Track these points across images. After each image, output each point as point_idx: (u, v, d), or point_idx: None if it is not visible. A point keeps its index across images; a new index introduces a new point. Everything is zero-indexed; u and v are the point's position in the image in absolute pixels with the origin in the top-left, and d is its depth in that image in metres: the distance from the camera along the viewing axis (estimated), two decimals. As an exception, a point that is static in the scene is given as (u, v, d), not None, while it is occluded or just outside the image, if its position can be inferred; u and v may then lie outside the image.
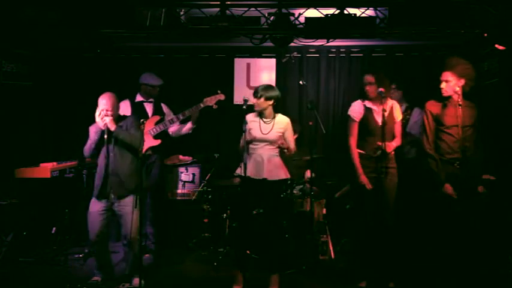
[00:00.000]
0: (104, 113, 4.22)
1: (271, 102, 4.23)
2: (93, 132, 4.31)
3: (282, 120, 4.30)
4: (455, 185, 4.13)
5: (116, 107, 4.32)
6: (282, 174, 4.28)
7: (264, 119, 4.26)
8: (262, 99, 4.20)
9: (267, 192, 4.23)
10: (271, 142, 4.23)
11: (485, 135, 4.31)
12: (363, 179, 4.31)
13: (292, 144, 4.33)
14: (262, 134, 4.20)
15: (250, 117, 4.25)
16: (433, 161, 4.23)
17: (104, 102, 4.24)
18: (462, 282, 4.15)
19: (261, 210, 4.63)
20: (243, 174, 4.05)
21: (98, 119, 4.24)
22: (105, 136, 4.23)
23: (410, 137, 5.19)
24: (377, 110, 4.38)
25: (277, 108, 4.34)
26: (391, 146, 4.31)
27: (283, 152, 4.27)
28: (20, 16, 4.86)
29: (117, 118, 4.35)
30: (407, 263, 4.67)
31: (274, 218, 4.31)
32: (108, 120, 4.21)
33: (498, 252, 4.39)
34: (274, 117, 4.28)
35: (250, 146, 4.23)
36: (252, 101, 4.23)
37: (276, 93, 4.26)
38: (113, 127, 4.23)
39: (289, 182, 5.07)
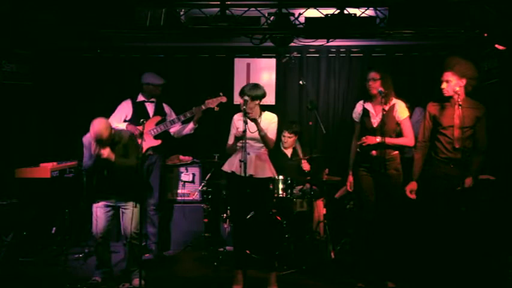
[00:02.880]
0: (98, 148, 4.15)
1: (257, 101, 4.27)
2: (86, 147, 4.30)
3: (269, 117, 4.32)
4: (451, 185, 4.12)
5: (109, 132, 4.18)
6: (268, 172, 4.32)
7: (251, 118, 4.24)
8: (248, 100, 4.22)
9: (255, 190, 4.24)
10: (258, 140, 4.25)
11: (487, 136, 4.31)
12: (348, 178, 4.52)
13: (271, 136, 4.29)
14: (250, 132, 4.18)
15: (238, 117, 4.28)
16: (416, 157, 4.28)
17: (96, 134, 4.11)
18: (462, 282, 4.15)
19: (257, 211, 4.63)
20: (229, 171, 4.09)
21: (95, 151, 4.18)
22: (106, 172, 4.22)
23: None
24: (373, 112, 4.38)
25: (278, 108, 4.35)
26: (372, 140, 4.28)
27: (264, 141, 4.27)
28: (20, 16, 4.86)
29: (112, 139, 4.25)
30: (407, 263, 4.67)
31: (266, 215, 4.33)
32: (106, 154, 4.17)
33: (498, 252, 4.39)
34: (260, 115, 4.31)
35: (238, 144, 4.24)
36: (239, 101, 4.25)
37: (261, 91, 4.29)
38: (112, 157, 4.21)
39: (288, 181, 5.08)
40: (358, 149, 4.46)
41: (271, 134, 4.31)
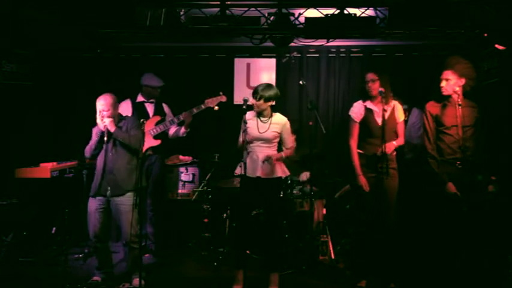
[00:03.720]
0: (103, 114, 4.25)
1: (270, 102, 4.24)
2: (94, 133, 4.34)
3: (279, 120, 4.29)
4: (457, 185, 4.13)
5: (114, 107, 4.33)
6: (279, 172, 4.28)
7: (262, 118, 4.26)
8: (262, 101, 4.20)
9: (263, 191, 4.23)
10: (267, 141, 4.24)
11: (486, 135, 4.31)
12: (361, 180, 4.33)
13: (290, 144, 4.35)
14: (259, 133, 4.21)
15: (248, 116, 4.23)
16: (434, 161, 4.22)
17: (101, 103, 4.27)
18: (462, 282, 4.15)
19: (260, 210, 4.64)
20: (242, 173, 4.06)
21: (98, 120, 4.28)
22: (105, 138, 4.24)
23: (410, 142, 5.16)
24: (377, 111, 4.38)
25: (278, 108, 4.35)
26: (391, 146, 4.30)
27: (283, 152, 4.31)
28: (20, 16, 4.86)
29: (117, 118, 4.37)
30: (407, 263, 4.67)
31: (271, 217, 4.32)
32: (107, 122, 4.24)
33: (498, 252, 4.39)
34: (271, 116, 4.29)
35: (248, 144, 4.24)
36: (251, 101, 4.23)
37: (275, 92, 4.26)
38: (112, 129, 4.26)
39: (288, 181, 5.08)
40: (361, 150, 4.44)
41: (292, 141, 4.37)
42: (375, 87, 4.34)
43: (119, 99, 5.40)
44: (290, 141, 4.36)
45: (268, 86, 4.28)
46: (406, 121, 5.24)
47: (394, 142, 4.32)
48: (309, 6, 4.91)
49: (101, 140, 4.30)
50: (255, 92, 4.22)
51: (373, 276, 4.40)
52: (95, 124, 4.36)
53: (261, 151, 4.24)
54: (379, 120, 4.33)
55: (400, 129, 4.45)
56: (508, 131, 4.84)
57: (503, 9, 4.54)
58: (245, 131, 4.07)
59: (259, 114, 4.26)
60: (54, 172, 5.29)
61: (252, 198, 4.25)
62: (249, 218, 4.28)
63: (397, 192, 4.35)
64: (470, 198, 4.12)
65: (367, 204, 4.36)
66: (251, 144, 4.24)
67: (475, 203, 4.15)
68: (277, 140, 4.30)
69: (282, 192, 4.98)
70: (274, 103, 4.26)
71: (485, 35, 4.81)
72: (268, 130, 4.23)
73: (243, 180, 4.20)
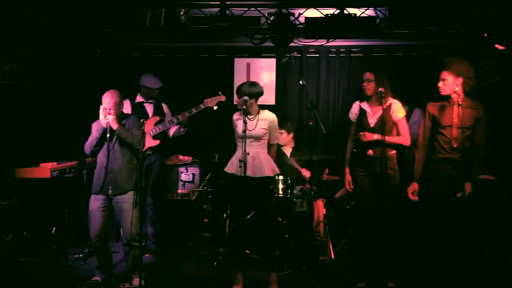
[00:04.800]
0: (107, 111, 4.24)
1: (253, 100, 4.27)
2: (94, 129, 4.34)
3: (267, 116, 4.33)
4: (447, 186, 4.12)
5: (119, 106, 4.34)
6: (267, 171, 4.28)
7: (249, 116, 4.26)
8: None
9: (252, 189, 4.23)
10: (256, 138, 4.26)
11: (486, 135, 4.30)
12: (346, 179, 4.50)
13: (275, 140, 4.40)
14: (248, 130, 4.19)
15: (237, 116, 4.30)
16: (417, 157, 4.27)
17: (106, 101, 4.27)
18: (462, 282, 4.15)
19: (256, 214, 4.62)
20: (230, 173, 4.11)
21: (101, 116, 4.27)
22: (108, 134, 4.25)
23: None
24: (370, 112, 4.39)
25: (278, 108, 4.36)
26: (372, 136, 4.27)
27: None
28: (20, 16, 4.86)
29: (121, 116, 4.37)
30: (407, 263, 4.67)
31: (267, 216, 4.34)
32: (110, 118, 4.25)
33: (497, 252, 4.39)
34: (258, 113, 4.31)
35: (238, 143, 4.29)
36: (236, 100, 4.25)
37: (258, 89, 4.29)
38: (115, 126, 4.26)
39: (288, 181, 5.08)
40: (354, 149, 4.48)
41: (275, 138, 4.40)
42: (370, 87, 4.36)
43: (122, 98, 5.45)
44: (275, 138, 4.40)
45: (252, 83, 4.33)
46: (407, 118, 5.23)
47: (375, 136, 4.26)
48: (309, 6, 4.91)
49: (102, 137, 4.31)
50: (239, 91, 4.25)
51: (372, 276, 4.40)
52: (97, 120, 4.35)
53: (251, 149, 4.24)
54: (371, 121, 4.36)
55: (402, 127, 4.37)
56: (508, 131, 4.84)
57: (503, 9, 4.54)
58: (245, 130, 4.06)
59: (246, 113, 4.27)
60: (54, 172, 5.30)
61: (245, 197, 4.24)
62: (246, 218, 4.27)
63: (394, 193, 4.33)
64: (464, 199, 4.11)
65: (362, 204, 4.40)
66: (240, 143, 4.19)
67: (471, 204, 4.13)
68: (267, 137, 4.33)
69: (281, 192, 5.00)
70: (256, 100, 4.29)
71: (485, 35, 4.81)
72: (256, 127, 4.25)
73: (233, 179, 4.22)
